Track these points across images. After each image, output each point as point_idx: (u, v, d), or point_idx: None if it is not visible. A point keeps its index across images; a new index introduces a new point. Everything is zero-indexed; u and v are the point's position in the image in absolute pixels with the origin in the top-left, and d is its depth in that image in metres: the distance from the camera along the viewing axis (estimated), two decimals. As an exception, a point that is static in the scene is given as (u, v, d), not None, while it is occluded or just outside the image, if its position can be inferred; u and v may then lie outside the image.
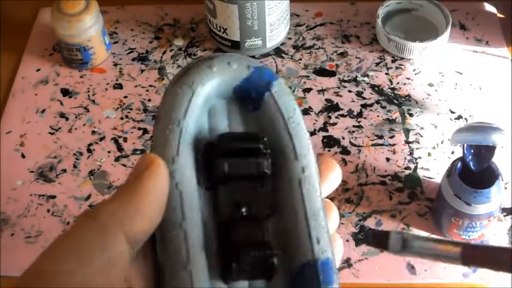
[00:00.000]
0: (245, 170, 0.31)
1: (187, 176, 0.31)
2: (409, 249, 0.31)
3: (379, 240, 0.33)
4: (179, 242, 0.29)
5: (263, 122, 0.33)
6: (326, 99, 0.78)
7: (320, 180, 0.32)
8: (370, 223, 0.67)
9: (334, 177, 0.34)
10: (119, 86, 0.81)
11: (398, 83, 0.79)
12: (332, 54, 0.83)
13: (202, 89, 0.32)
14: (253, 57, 0.82)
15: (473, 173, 0.61)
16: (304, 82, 0.80)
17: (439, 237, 0.26)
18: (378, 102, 0.77)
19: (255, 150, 0.31)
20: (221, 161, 0.30)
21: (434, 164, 0.71)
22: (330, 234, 0.31)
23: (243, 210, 0.31)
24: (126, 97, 0.79)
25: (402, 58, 0.82)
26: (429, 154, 0.72)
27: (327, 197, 0.33)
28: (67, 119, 0.77)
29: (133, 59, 0.84)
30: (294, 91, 0.79)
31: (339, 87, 0.79)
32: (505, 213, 0.67)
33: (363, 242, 0.29)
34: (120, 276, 0.27)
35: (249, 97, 0.33)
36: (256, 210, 0.31)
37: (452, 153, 0.72)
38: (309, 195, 0.31)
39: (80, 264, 0.26)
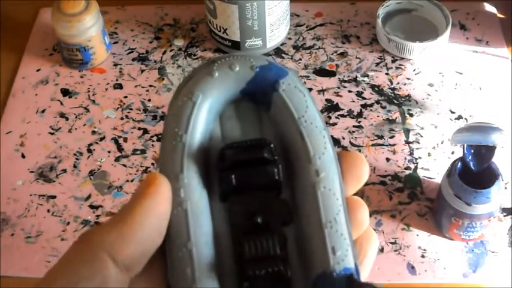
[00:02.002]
0: (255, 180, 0.29)
1: (194, 193, 0.29)
2: None
3: None
4: (184, 263, 0.28)
5: (276, 123, 0.31)
6: (326, 99, 0.78)
7: (342, 181, 0.30)
8: (370, 223, 0.67)
9: (359, 174, 0.30)
10: (119, 86, 0.81)
11: (398, 83, 0.79)
12: (332, 54, 0.83)
13: (204, 98, 0.30)
14: (253, 57, 0.82)
15: (473, 173, 0.61)
16: (304, 82, 0.80)
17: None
18: (378, 102, 0.77)
19: (263, 157, 0.29)
20: (227, 174, 0.29)
21: (434, 164, 0.71)
22: (363, 231, 0.30)
23: (259, 220, 0.29)
24: (126, 97, 0.79)
25: (402, 58, 0.82)
26: (429, 154, 0.72)
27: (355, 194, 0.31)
28: (67, 119, 0.77)
29: (133, 59, 0.84)
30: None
31: (339, 87, 0.79)
32: (505, 213, 0.67)
33: None
34: None
35: (257, 99, 0.32)
36: (272, 219, 0.29)
37: (452, 153, 0.72)
38: (324, 200, 0.29)
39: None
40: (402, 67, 0.81)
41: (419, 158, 0.72)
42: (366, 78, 0.80)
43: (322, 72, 0.81)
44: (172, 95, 0.32)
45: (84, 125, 0.77)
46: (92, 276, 0.27)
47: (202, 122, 0.30)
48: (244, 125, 0.32)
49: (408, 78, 0.80)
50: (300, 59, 0.82)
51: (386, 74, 0.80)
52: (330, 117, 0.76)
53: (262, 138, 0.30)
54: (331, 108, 0.77)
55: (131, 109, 0.78)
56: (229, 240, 0.29)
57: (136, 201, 0.28)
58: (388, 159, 0.72)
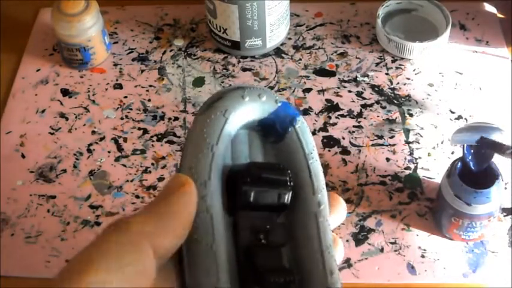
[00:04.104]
0: (267, 200, 0.32)
1: (217, 200, 0.31)
2: None
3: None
4: (209, 264, 0.30)
5: (283, 155, 0.35)
6: (326, 100, 0.78)
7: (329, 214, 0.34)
8: (371, 223, 0.67)
9: (341, 211, 0.35)
10: (119, 86, 0.81)
11: (398, 83, 0.79)
12: (332, 54, 0.83)
13: (234, 117, 0.33)
14: (254, 57, 0.82)
15: (473, 173, 0.61)
16: (304, 82, 0.80)
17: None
18: (378, 102, 0.77)
19: (281, 181, 0.32)
20: (248, 189, 0.31)
21: (434, 164, 0.71)
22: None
23: (261, 237, 0.32)
24: (126, 97, 0.79)
25: (402, 58, 0.82)
26: (429, 154, 0.72)
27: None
28: (67, 119, 0.77)
29: (133, 59, 0.84)
30: (293, 91, 0.79)
31: (339, 88, 0.79)
32: (505, 213, 0.67)
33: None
34: None
35: (273, 130, 0.35)
36: (273, 238, 0.32)
37: (452, 153, 0.72)
38: (323, 228, 0.33)
39: (111, 276, 0.26)
40: (402, 67, 0.81)
41: (419, 158, 0.72)
42: (365, 78, 0.80)
43: (322, 72, 0.81)
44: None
45: (84, 125, 0.77)
46: (134, 264, 0.27)
47: (227, 139, 0.33)
48: (251, 151, 0.35)
49: (408, 78, 0.80)
50: (300, 59, 0.82)
51: (386, 74, 0.80)
52: (330, 117, 0.76)
53: (281, 164, 0.33)
54: (331, 108, 0.77)
55: (131, 109, 0.78)
56: (233, 249, 0.31)
57: (169, 199, 0.29)
58: (388, 159, 0.72)
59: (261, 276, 0.30)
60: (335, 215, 0.35)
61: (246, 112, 0.34)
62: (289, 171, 0.33)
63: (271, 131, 0.35)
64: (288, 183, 0.32)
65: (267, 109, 0.34)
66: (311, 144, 0.35)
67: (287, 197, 0.32)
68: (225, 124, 0.33)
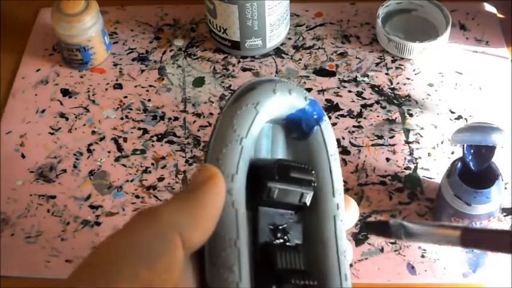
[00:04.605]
0: (290, 198, 0.32)
1: (242, 195, 0.31)
2: (410, 236, 0.32)
3: (381, 231, 0.33)
4: (232, 260, 0.29)
5: (305, 153, 0.34)
6: (326, 100, 0.78)
7: None
8: (370, 223, 0.67)
9: (353, 214, 0.35)
10: (119, 86, 0.81)
11: (398, 83, 0.79)
12: (332, 54, 0.83)
13: (265, 110, 0.32)
14: (253, 57, 0.82)
15: (473, 173, 0.61)
16: (304, 82, 0.80)
17: (437, 222, 0.27)
18: (377, 102, 0.77)
19: (306, 181, 0.32)
20: (274, 186, 0.31)
21: (434, 164, 0.71)
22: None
23: (279, 235, 0.31)
24: (126, 97, 0.79)
25: (402, 58, 0.82)
26: (429, 154, 0.72)
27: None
28: (67, 119, 0.77)
29: (133, 59, 0.84)
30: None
31: (338, 88, 0.79)
32: (505, 213, 0.67)
33: (367, 231, 0.32)
34: (174, 283, 0.26)
35: (298, 126, 0.34)
36: (290, 237, 0.32)
37: (452, 153, 0.72)
38: (340, 231, 0.33)
39: (142, 267, 0.25)
40: (402, 67, 0.81)
41: (419, 158, 0.72)
42: (365, 78, 0.80)
43: (322, 72, 0.81)
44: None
45: (84, 125, 0.77)
46: (164, 254, 0.26)
47: (256, 132, 0.32)
48: (273, 146, 0.34)
49: (408, 78, 0.80)
50: (300, 59, 0.82)
51: (386, 74, 0.80)
52: (330, 117, 0.76)
53: (307, 164, 0.33)
54: (331, 108, 0.77)
55: (131, 109, 0.78)
56: (250, 245, 0.30)
57: (199, 191, 0.28)
58: (388, 159, 0.72)
59: (281, 277, 0.29)
60: (348, 217, 0.34)
61: (276, 106, 0.33)
62: (313, 172, 0.32)
63: (296, 127, 0.34)
64: (312, 184, 0.32)
65: (295, 105, 0.34)
66: (334, 145, 0.34)
67: (309, 197, 0.32)
68: (256, 117, 0.32)
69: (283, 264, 0.30)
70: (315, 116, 0.34)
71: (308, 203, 0.32)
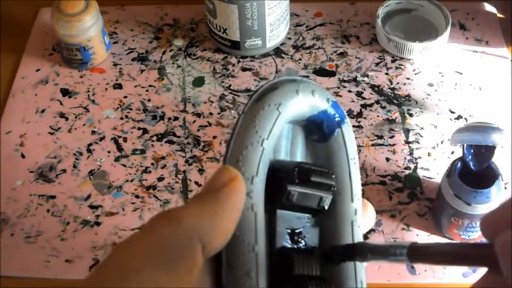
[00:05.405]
0: (308, 202, 0.31)
1: (261, 198, 0.30)
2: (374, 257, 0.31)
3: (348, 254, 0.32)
4: (250, 265, 0.29)
5: (324, 155, 0.33)
6: (326, 99, 0.78)
7: None
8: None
9: (370, 219, 0.35)
10: (119, 86, 0.81)
11: (398, 83, 0.79)
12: (332, 54, 0.83)
13: (287, 111, 0.32)
14: (253, 57, 0.82)
15: (473, 173, 0.61)
16: (304, 82, 0.80)
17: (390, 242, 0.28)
18: (377, 102, 0.77)
19: (326, 186, 0.31)
20: (293, 190, 0.30)
21: (434, 164, 0.71)
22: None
23: (297, 239, 0.31)
24: (125, 97, 0.79)
25: (402, 58, 0.82)
26: (429, 154, 0.72)
27: None
28: (67, 119, 0.77)
29: (133, 59, 0.84)
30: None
31: (338, 87, 0.79)
32: (505, 213, 0.67)
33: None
34: (193, 286, 0.26)
35: (319, 128, 0.33)
36: (307, 240, 0.31)
37: (452, 153, 0.72)
38: (357, 236, 0.32)
39: (165, 271, 0.25)
40: (402, 67, 0.81)
41: (419, 158, 0.72)
42: (365, 78, 0.80)
43: (322, 72, 0.81)
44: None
45: (84, 125, 0.77)
46: (184, 258, 0.26)
47: (278, 133, 0.32)
48: (292, 147, 0.33)
49: (408, 78, 0.80)
50: (300, 59, 0.82)
51: (386, 74, 0.80)
52: (329, 117, 0.76)
53: (327, 168, 0.32)
54: (331, 108, 0.77)
55: (131, 109, 0.78)
56: (267, 249, 0.30)
57: (219, 194, 0.28)
58: (388, 159, 0.72)
59: (299, 283, 0.29)
60: (365, 222, 0.34)
61: (298, 108, 0.32)
62: (333, 176, 0.32)
63: (317, 129, 0.33)
64: (332, 188, 0.31)
65: (317, 107, 0.33)
66: (354, 149, 0.34)
67: (328, 201, 0.31)
68: (278, 118, 0.31)
69: (300, 269, 0.29)
70: (337, 119, 0.33)
71: (326, 207, 0.32)
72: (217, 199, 0.28)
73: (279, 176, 0.31)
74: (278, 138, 0.33)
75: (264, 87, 0.32)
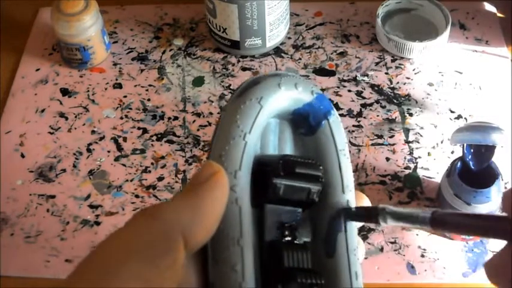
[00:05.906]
0: (297, 195, 0.31)
1: (246, 192, 0.30)
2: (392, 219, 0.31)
3: (368, 217, 0.32)
4: (235, 259, 0.28)
5: (313, 148, 0.33)
6: (326, 99, 0.78)
7: None
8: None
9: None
10: (119, 86, 0.80)
11: (398, 82, 0.79)
12: (332, 53, 0.83)
13: (269, 105, 0.32)
14: (253, 56, 0.82)
15: (473, 172, 0.61)
16: (304, 82, 0.80)
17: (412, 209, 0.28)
18: (377, 101, 0.77)
19: (314, 177, 0.31)
20: (279, 183, 0.30)
21: (434, 164, 0.71)
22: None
23: (287, 233, 0.31)
24: (125, 97, 0.79)
25: (402, 58, 0.82)
26: (429, 154, 0.72)
27: None
28: (66, 118, 0.77)
29: (133, 59, 0.84)
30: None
31: (338, 87, 0.79)
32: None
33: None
34: (176, 282, 0.26)
35: (305, 121, 0.33)
36: (299, 235, 0.31)
37: (452, 153, 0.72)
38: (350, 229, 0.32)
39: (144, 266, 0.25)
40: (402, 66, 0.81)
41: (419, 157, 0.72)
42: (365, 78, 0.80)
43: (321, 71, 0.81)
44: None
45: (84, 124, 0.77)
46: (166, 255, 0.26)
47: (261, 127, 0.32)
48: (281, 143, 0.33)
49: (408, 78, 0.80)
50: (300, 59, 0.82)
51: (386, 73, 0.80)
52: (329, 117, 0.76)
53: (314, 159, 0.31)
54: (330, 107, 0.77)
55: (131, 109, 0.78)
56: (256, 243, 0.30)
57: (202, 189, 0.28)
58: (387, 159, 0.72)
59: (288, 275, 0.29)
60: None
61: (281, 101, 0.32)
62: (321, 167, 0.31)
63: (304, 122, 0.33)
64: (320, 180, 0.31)
65: (302, 100, 0.33)
66: (343, 140, 0.33)
67: (317, 193, 0.31)
68: (260, 112, 0.31)
69: (290, 262, 0.29)
70: (323, 111, 0.33)
71: (316, 200, 0.31)
72: (198, 193, 0.28)
73: (264, 170, 0.31)
74: (265, 134, 0.33)
75: (246, 82, 0.33)
